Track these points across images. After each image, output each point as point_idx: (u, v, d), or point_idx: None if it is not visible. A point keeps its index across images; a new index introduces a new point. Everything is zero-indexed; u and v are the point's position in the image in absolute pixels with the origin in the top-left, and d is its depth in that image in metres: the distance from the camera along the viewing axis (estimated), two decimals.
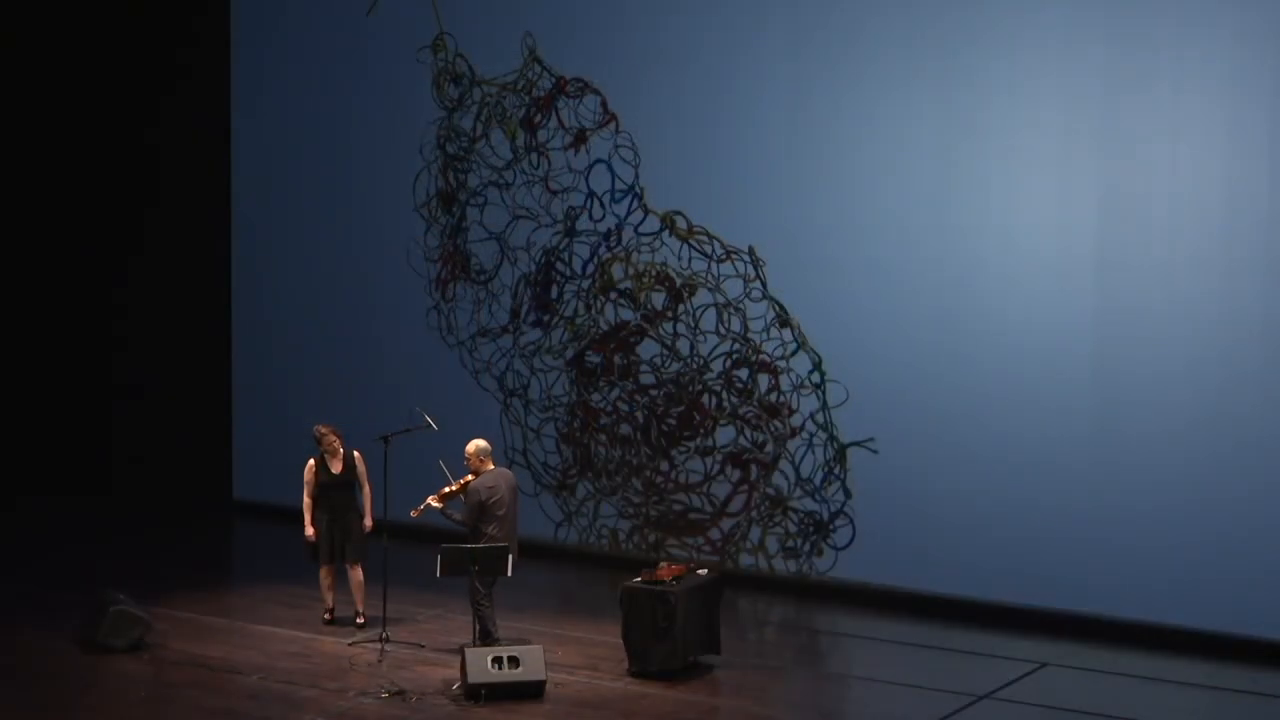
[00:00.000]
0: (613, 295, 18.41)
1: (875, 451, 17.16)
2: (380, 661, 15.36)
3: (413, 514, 15.30)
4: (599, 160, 18.38)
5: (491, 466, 15.33)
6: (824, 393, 17.43)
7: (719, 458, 17.96)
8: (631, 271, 18.31)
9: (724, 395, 17.91)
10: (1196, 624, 15.85)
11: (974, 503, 16.76)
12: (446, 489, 15.26)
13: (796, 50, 17.31)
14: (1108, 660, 15.67)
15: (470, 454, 15.29)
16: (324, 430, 16.18)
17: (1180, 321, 15.83)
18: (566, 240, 18.61)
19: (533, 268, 18.82)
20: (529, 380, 18.91)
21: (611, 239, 18.38)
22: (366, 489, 16.25)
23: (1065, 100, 16.21)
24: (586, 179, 18.48)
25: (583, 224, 18.54)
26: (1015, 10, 16.38)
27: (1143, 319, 16.00)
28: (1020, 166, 16.46)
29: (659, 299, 18.16)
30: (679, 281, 18.07)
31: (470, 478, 15.24)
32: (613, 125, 18.31)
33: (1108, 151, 16.12)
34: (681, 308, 18.06)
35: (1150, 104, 15.92)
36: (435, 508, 15.19)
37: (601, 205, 18.41)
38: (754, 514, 17.82)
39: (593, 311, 18.52)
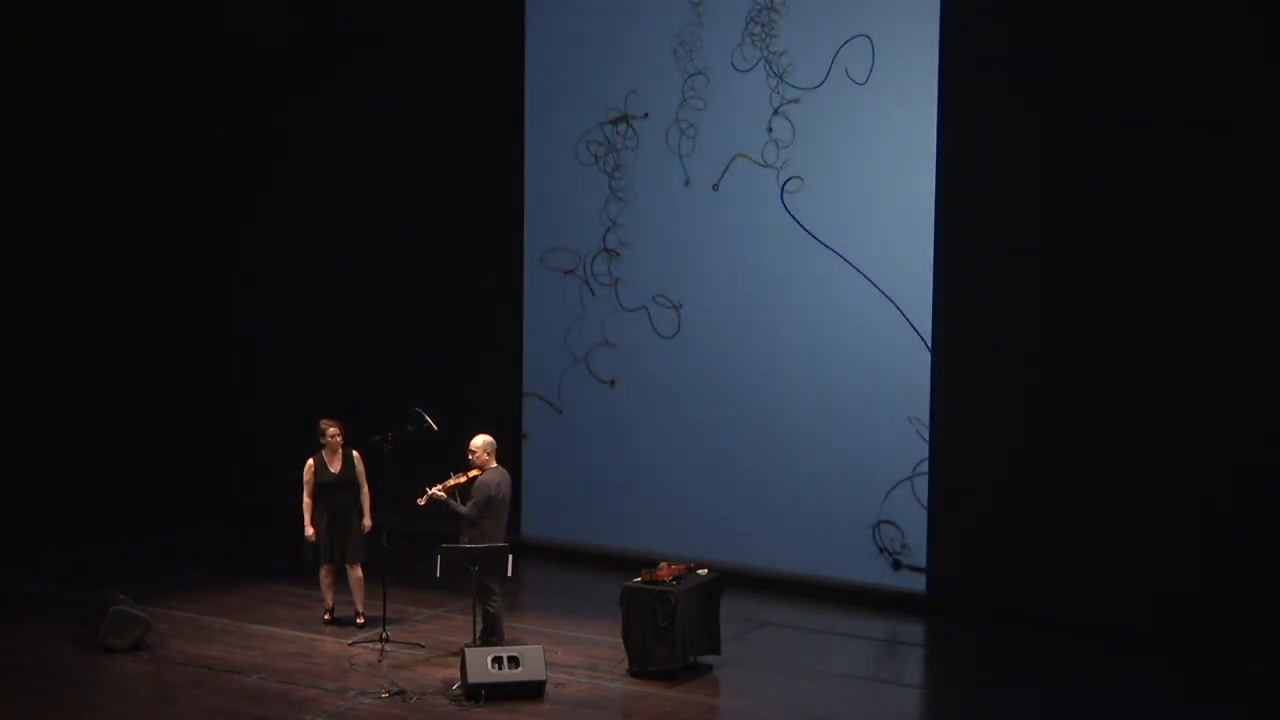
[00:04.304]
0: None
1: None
2: (380, 661, 15.36)
3: (419, 502, 15.28)
4: None
5: (494, 463, 15.35)
6: None
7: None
8: None
9: None
10: None
11: (971, 511, 16.80)
12: (452, 480, 15.27)
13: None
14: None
15: (478, 448, 15.29)
16: (327, 424, 16.17)
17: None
18: None
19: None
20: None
21: None
22: (366, 489, 16.24)
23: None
24: None
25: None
26: None
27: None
28: None
29: None
30: None
31: (476, 471, 15.25)
32: None
33: None
34: None
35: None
36: (440, 498, 15.19)
37: None
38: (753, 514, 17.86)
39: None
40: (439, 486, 15.24)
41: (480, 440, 15.34)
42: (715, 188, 17.88)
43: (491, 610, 15.13)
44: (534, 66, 18.69)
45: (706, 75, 17.85)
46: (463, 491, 15.25)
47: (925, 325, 16.94)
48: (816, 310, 17.49)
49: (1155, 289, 15.99)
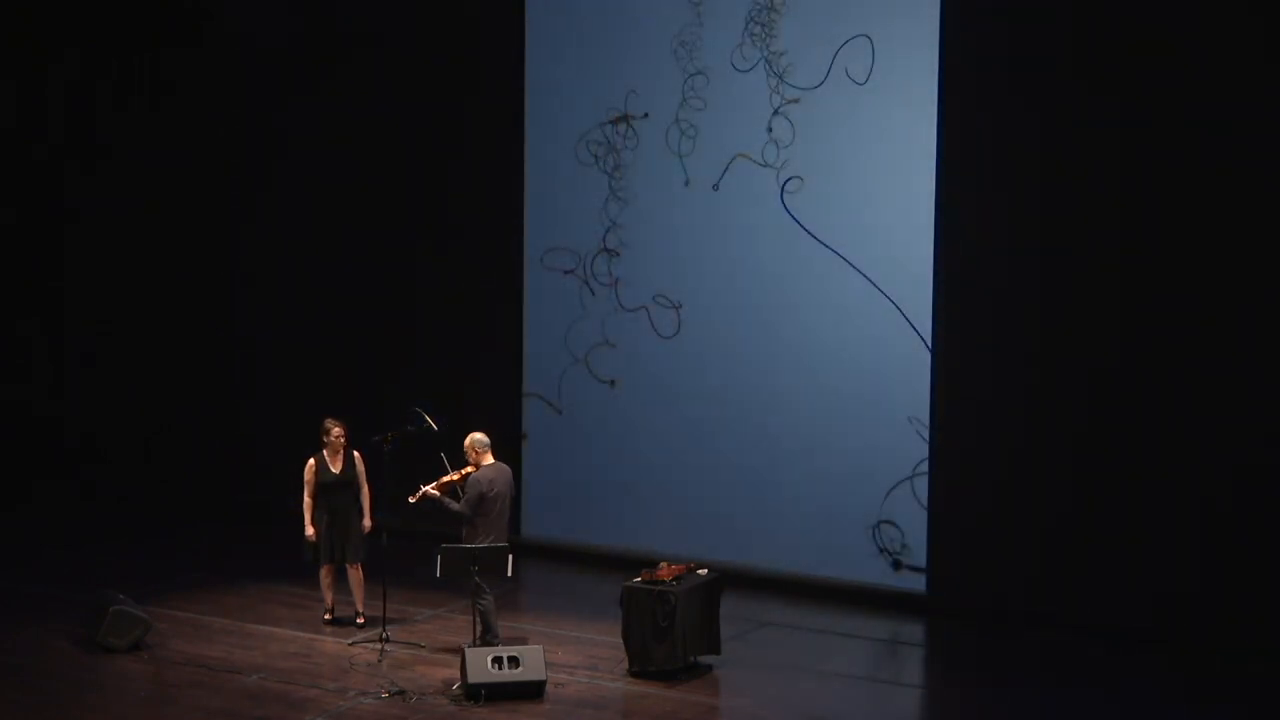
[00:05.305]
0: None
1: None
2: (380, 661, 15.36)
3: (411, 500, 15.32)
4: None
5: (491, 459, 15.36)
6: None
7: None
8: None
9: None
10: None
11: (971, 511, 16.81)
12: (446, 478, 15.29)
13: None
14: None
15: (467, 446, 15.33)
16: (332, 424, 16.16)
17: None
18: None
19: None
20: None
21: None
22: (366, 489, 16.24)
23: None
24: None
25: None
26: None
27: None
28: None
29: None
30: None
31: (470, 469, 15.27)
32: None
33: None
34: None
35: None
36: (433, 496, 15.22)
37: None
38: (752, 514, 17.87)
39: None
40: (432, 484, 15.26)
41: (470, 438, 15.38)
42: (715, 188, 17.88)
43: (482, 608, 15.11)
44: (534, 66, 18.69)
45: (706, 75, 17.85)
46: (460, 489, 15.29)
47: (925, 325, 16.95)
48: (816, 310, 17.49)
49: (1155, 289, 15.99)
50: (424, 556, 15.26)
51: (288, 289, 20.27)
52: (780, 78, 17.49)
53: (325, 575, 16.31)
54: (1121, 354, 16.14)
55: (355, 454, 16.25)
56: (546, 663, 14.63)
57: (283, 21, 19.92)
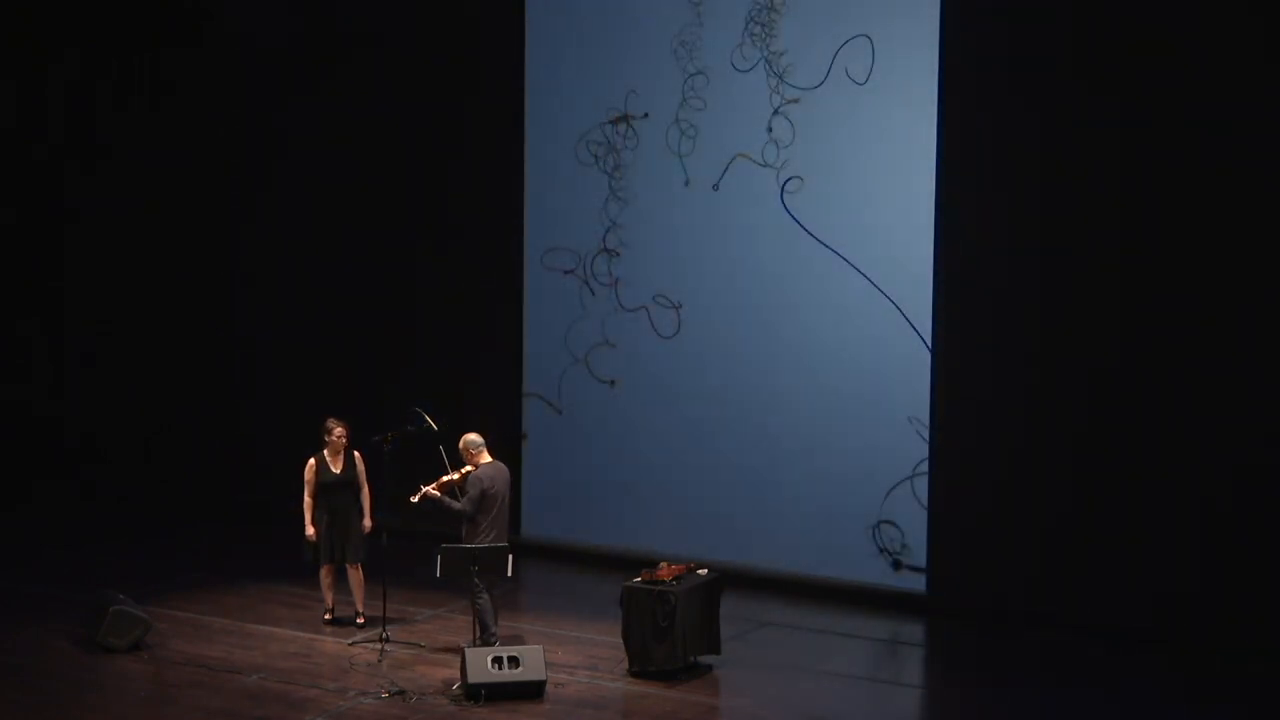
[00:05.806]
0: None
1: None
2: (380, 661, 15.36)
3: (411, 500, 15.34)
4: None
5: (487, 458, 15.37)
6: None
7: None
8: None
9: None
10: None
11: (971, 511, 16.80)
12: (446, 478, 15.32)
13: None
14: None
15: (462, 447, 15.36)
16: (334, 424, 16.15)
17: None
18: None
19: None
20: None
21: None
22: (366, 489, 16.24)
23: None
24: None
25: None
26: None
27: None
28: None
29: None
30: None
31: (469, 469, 15.30)
32: None
33: None
34: None
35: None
36: (434, 496, 15.23)
37: None
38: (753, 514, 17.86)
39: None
40: (433, 485, 15.28)
41: (464, 439, 15.42)
42: (715, 188, 17.89)
43: (478, 606, 15.11)
44: (534, 66, 18.69)
45: (706, 75, 17.85)
46: (460, 489, 15.31)
47: (925, 325, 16.95)
48: (816, 310, 17.49)
49: (1155, 289, 15.99)
50: (424, 556, 15.26)
51: (288, 289, 20.27)
52: (780, 78, 17.49)
53: (325, 575, 16.31)
54: (1121, 354, 16.15)
55: (355, 454, 16.25)
56: (546, 663, 14.63)
57: (283, 21, 19.92)
